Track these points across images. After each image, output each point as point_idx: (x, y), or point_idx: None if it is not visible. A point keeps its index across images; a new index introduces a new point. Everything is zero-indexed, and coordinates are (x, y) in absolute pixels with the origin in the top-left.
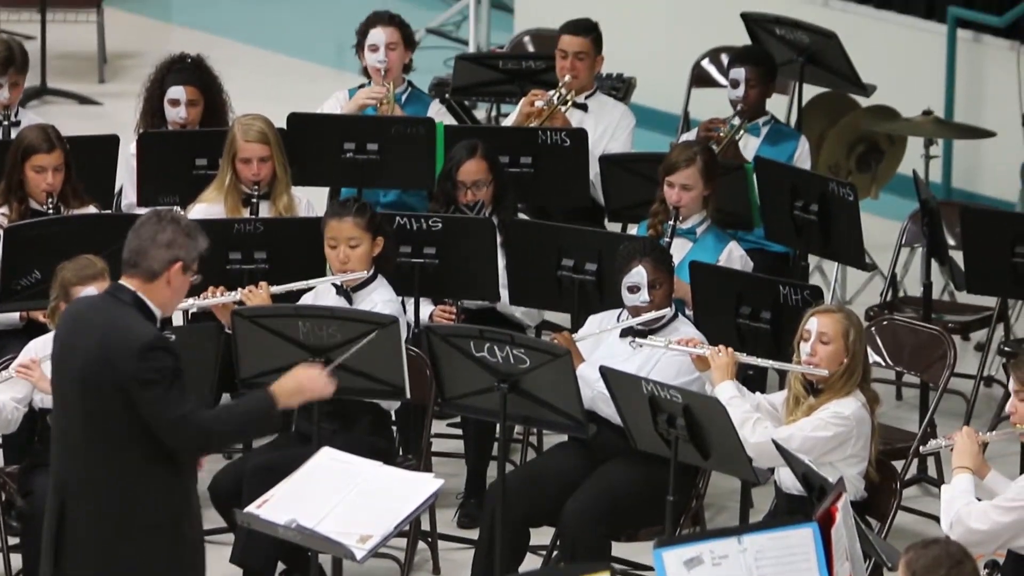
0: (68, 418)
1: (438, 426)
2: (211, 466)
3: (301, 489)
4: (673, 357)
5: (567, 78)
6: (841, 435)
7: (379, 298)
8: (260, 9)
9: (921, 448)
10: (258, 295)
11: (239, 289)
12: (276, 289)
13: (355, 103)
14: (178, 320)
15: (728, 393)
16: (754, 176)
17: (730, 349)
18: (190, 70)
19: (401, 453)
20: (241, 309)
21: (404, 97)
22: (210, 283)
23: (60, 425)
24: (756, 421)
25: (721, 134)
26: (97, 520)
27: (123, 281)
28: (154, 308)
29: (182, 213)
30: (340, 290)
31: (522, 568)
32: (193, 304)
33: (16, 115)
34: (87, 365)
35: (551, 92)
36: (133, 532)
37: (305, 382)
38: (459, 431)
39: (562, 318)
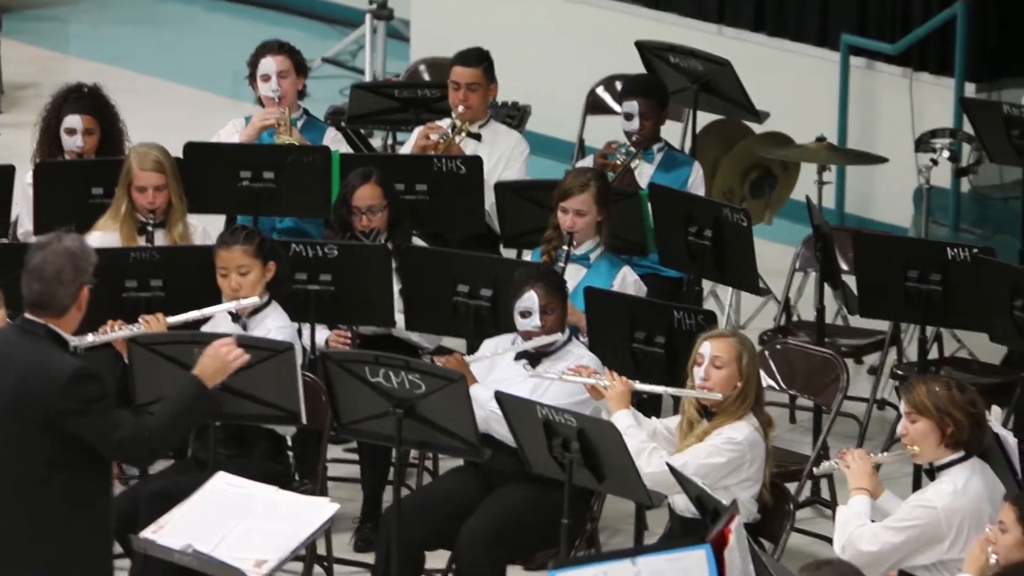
0: None
1: (334, 451)
2: None
3: (197, 514)
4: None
5: (460, 109)
6: (735, 460)
7: (273, 324)
8: (156, 40)
9: (815, 470)
10: (155, 326)
11: (139, 321)
12: (173, 320)
13: (252, 127)
14: None
15: (624, 422)
16: (648, 202)
17: (623, 378)
18: (86, 99)
19: (297, 478)
20: (138, 336)
21: (300, 124)
22: (107, 311)
23: None
24: (652, 451)
25: (617, 162)
26: (18, 554)
27: (30, 316)
28: (67, 337)
29: (68, 234)
30: (235, 317)
31: None
32: (93, 340)
33: None
34: (7, 404)
35: (444, 123)
36: (56, 565)
37: (224, 356)
38: (355, 456)
39: (458, 343)
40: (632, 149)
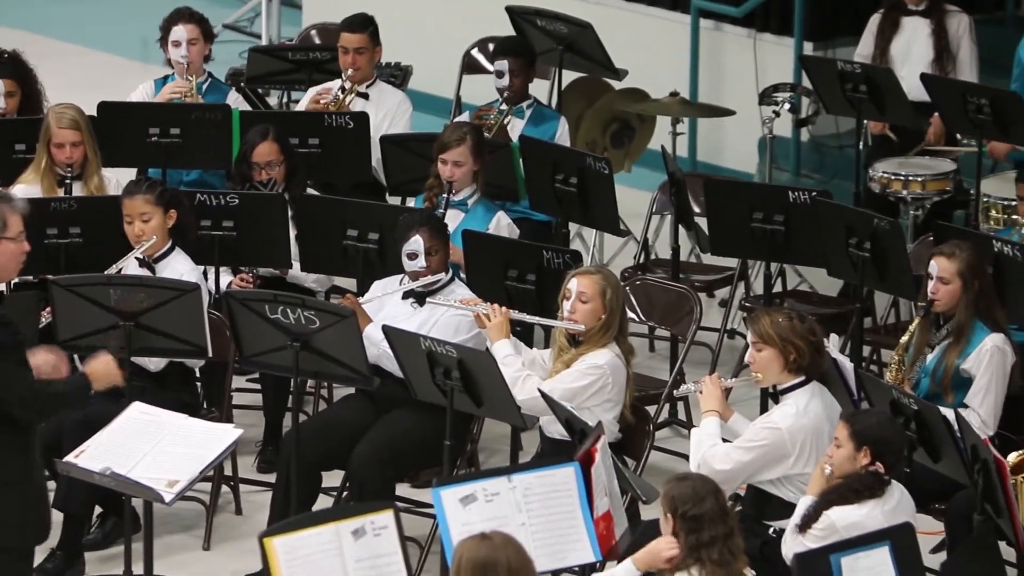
0: None
1: (238, 381)
2: None
3: (115, 440)
4: (452, 317)
5: (349, 72)
6: (596, 383)
7: (183, 268)
8: (72, 8)
9: (675, 392)
10: None
11: None
12: None
13: (163, 97)
14: None
15: (503, 352)
16: (519, 153)
17: (504, 308)
18: (7, 64)
19: (205, 406)
20: (58, 279)
21: (205, 87)
22: (31, 256)
23: None
24: (526, 378)
25: (491, 121)
26: None
27: None
28: None
29: (10, 194)
30: (143, 262)
31: (315, 508)
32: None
33: None
34: None
35: (335, 84)
36: None
37: (113, 371)
38: (257, 385)
39: (349, 283)
40: (504, 108)
